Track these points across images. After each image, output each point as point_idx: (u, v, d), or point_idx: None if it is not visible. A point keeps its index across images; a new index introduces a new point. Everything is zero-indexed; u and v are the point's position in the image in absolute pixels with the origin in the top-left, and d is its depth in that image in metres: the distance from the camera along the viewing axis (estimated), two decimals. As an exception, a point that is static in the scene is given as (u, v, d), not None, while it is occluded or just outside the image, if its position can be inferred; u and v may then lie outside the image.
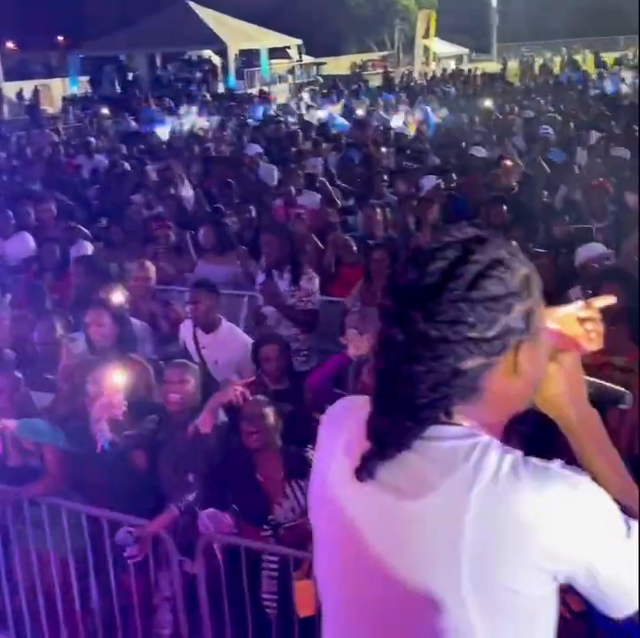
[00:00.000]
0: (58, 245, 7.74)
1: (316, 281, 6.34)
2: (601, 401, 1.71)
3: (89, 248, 8.21)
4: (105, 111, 21.56)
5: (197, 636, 4.31)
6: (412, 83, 28.42)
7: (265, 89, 28.78)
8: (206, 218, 8.58)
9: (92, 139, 14.56)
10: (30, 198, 9.38)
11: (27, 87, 31.32)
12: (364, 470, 1.56)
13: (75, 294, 6.90)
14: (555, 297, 5.74)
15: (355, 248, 7.19)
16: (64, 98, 29.15)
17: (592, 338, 1.66)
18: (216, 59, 33.47)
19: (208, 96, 26.56)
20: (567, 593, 1.59)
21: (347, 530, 1.62)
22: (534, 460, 1.49)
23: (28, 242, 8.58)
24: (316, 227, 7.81)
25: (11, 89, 31.14)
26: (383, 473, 1.55)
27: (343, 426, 1.67)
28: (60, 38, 44.75)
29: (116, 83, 32.43)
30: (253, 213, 8.66)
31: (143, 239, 8.00)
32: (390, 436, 1.53)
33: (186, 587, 4.25)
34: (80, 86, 31.84)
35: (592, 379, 1.71)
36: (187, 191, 10.70)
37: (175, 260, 7.83)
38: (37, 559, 4.62)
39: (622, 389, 1.75)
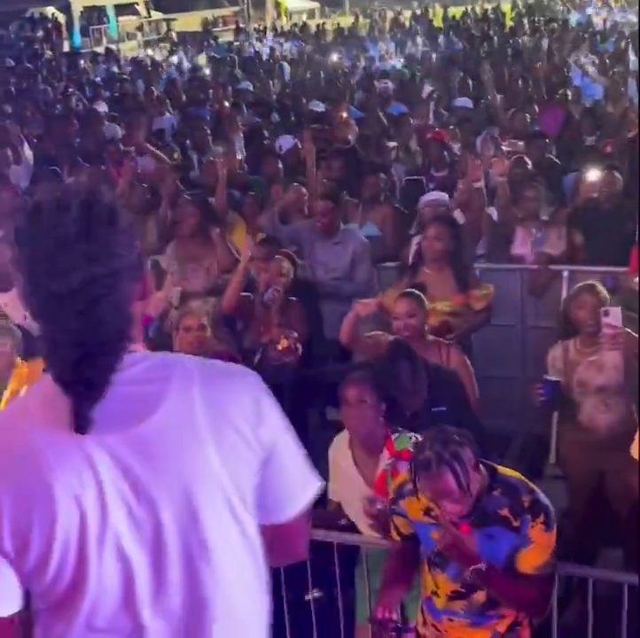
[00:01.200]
0: None
1: None
2: None
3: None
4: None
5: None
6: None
7: (112, 47, 27.96)
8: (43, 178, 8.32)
9: None
10: None
11: None
12: (82, 421, 1.57)
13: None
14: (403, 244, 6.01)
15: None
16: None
17: None
18: (60, 17, 32.30)
19: (52, 54, 25.69)
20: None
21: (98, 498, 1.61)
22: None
23: None
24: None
25: None
26: (101, 414, 1.58)
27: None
28: None
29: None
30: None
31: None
32: (97, 378, 1.58)
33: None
34: None
35: None
36: (27, 152, 10.36)
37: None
38: None
39: None
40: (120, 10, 33.96)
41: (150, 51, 24.11)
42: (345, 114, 9.23)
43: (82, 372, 1.57)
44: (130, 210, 7.12)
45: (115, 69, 20.17)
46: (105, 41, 31.97)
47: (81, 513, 1.60)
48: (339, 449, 3.92)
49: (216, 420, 1.69)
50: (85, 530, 1.60)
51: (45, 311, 1.60)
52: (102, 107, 12.22)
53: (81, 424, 1.57)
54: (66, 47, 29.73)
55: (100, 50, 28.34)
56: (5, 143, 9.93)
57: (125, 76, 17.63)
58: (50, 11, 32.82)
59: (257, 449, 1.73)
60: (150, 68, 19.02)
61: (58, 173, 8.69)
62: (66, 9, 31.09)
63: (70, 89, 16.07)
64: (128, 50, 29.38)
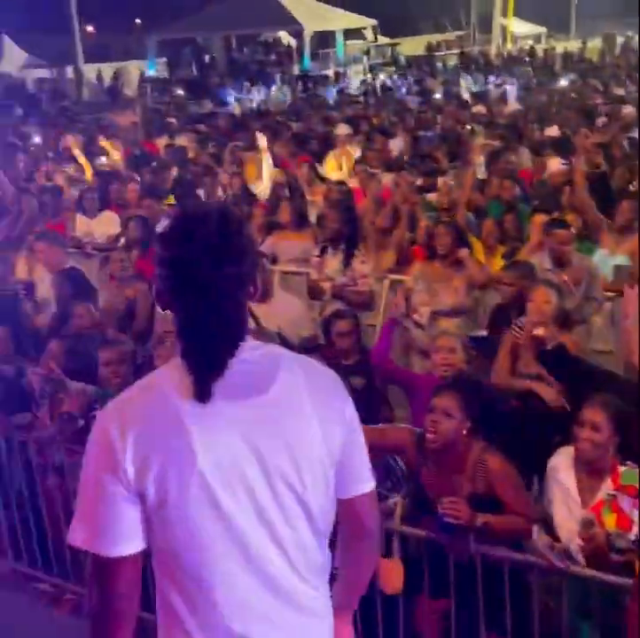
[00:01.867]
0: (143, 222, 7.88)
1: (368, 265, 6.40)
2: None
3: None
4: (181, 92, 21.77)
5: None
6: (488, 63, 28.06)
7: (339, 70, 28.66)
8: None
9: (173, 120, 14.70)
10: (116, 178, 9.55)
11: (106, 69, 31.86)
12: (203, 393, 1.95)
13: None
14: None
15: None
16: (142, 80, 29.49)
17: None
18: (290, 40, 33.47)
19: (283, 76, 26.70)
20: None
21: (222, 437, 1.97)
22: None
23: (114, 219, 8.76)
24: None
25: (90, 71, 31.69)
26: (221, 388, 1.97)
27: (140, 419, 1.98)
28: (138, 21, 45.30)
29: (193, 66, 32.74)
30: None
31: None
32: (220, 356, 1.97)
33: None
34: (157, 68, 32.20)
35: None
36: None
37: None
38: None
39: None
40: (349, 34, 34.76)
41: (382, 76, 24.48)
42: (592, 139, 8.99)
43: (207, 355, 1.97)
44: (374, 228, 7.47)
45: (350, 91, 20.61)
46: (332, 65, 32.83)
47: (213, 463, 1.94)
48: (562, 461, 3.83)
49: (318, 397, 2.07)
50: (215, 478, 1.95)
51: (190, 304, 1.97)
52: (341, 130, 12.50)
53: (202, 396, 1.95)
54: (295, 70, 30.82)
55: (327, 73, 29.18)
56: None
57: (358, 99, 17.99)
58: (282, 35, 34.07)
59: (345, 427, 2.11)
60: (379, 92, 19.39)
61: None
62: (298, 34, 32.12)
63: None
64: (354, 73, 30.03)
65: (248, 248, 2.01)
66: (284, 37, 34.06)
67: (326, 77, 25.85)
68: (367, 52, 34.98)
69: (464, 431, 3.72)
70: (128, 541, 1.97)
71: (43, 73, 32.26)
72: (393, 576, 3.77)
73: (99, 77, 31.95)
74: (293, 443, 2.02)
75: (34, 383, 5.18)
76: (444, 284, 5.84)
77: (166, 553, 2.00)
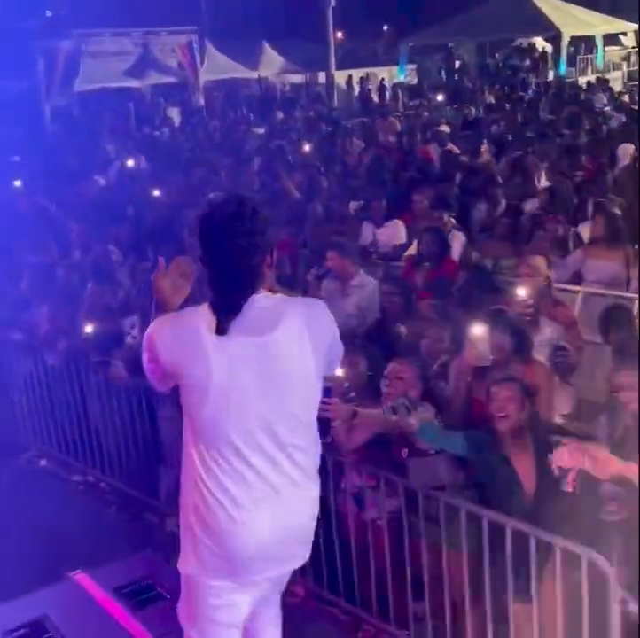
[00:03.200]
0: (436, 235, 7.45)
1: None
2: None
3: (461, 239, 7.89)
4: (440, 98, 21.34)
5: None
6: None
7: (599, 76, 27.25)
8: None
9: (445, 127, 14.26)
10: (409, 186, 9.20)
11: (356, 75, 32.06)
12: (222, 329, 2.85)
13: (459, 296, 6.44)
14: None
15: None
16: (393, 86, 29.40)
17: None
18: (544, 46, 32.30)
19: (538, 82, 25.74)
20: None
21: (234, 362, 2.88)
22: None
23: (401, 230, 8.43)
24: None
25: (340, 77, 32.00)
26: (237, 327, 2.86)
27: (193, 326, 2.93)
28: (385, 27, 45.51)
29: (442, 72, 32.32)
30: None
31: (527, 232, 7.55)
32: (233, 304, 2.88)
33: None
34: (407, 74, 32.03)
35: None
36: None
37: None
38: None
39: None
40: (608, 40, 33.09)
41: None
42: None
43: (226, 300, 2.88)
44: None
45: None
46: (590, 71, 31.39)
47: (226, 379, 2.87)
48: None
49: (315, 331, 2.96)
50: (222, 381, 2.87)
51: (215, 263, 2.91)
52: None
53: (221, 330, 2.85)
54: (550, 76, 29.67)
55: (583, 80, 27.84)
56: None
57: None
58: (538, 41, 32.94)
59: (331, 342, 3.08)
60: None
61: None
62: (554, 39, 30.90)
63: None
64: (613, 80, 28.48)
65: (256, 228, 2.90)
66: (539, 43, 32.91)
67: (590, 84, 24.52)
68: (626, 59, 33.21)
69: None
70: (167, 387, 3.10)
71: (296, 78, 32.94)
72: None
73: (349, 83, 32.23)
74: (286, 373, 2.94)
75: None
76: None
77: (197, 422, 2.95)
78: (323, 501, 3.40)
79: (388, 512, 4.65)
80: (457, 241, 7.65)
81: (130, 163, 12.40)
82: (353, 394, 4.58)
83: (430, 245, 7.34)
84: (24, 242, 8.62)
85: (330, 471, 4.79)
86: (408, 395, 4.46)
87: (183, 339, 2.89)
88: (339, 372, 4.55)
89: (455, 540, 4.30)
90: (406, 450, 4.51)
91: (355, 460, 4.74)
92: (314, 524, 3.16)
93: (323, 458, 3.26)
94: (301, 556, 3.16)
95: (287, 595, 4.95)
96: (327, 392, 4.21)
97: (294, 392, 2.96)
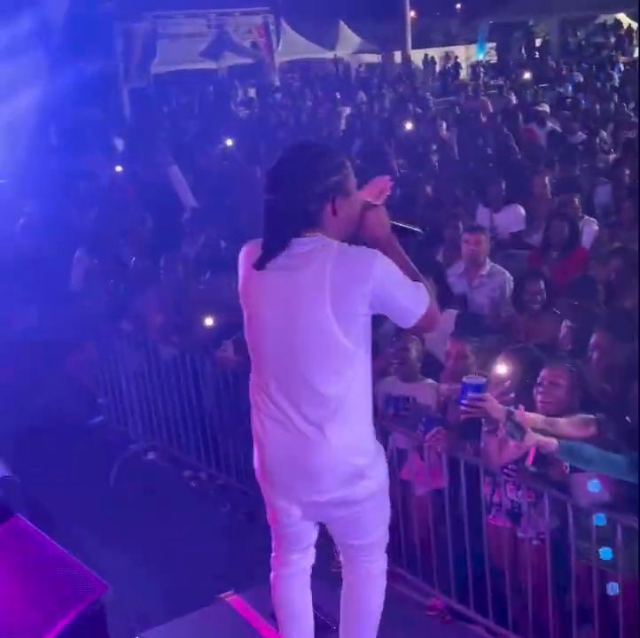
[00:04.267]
0: (568, 222, 6.96)
1: None
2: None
3: (593, 226, 7.38)
4: (528, 76, 20.59)
5: None
6: None
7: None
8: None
9: (545, 107, 13.64)
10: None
11: (434, 54, 31.42)
12: (260, 265, 3.07)
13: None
14: None
15: None
16: (473, 65, 28.67)
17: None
18: (630, 23, 31.18)
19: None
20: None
21: (265, 298, 3.10)
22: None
23: (519, 214, 7.95)
24: None
25: (416, 56, 31.40)
26: (273, 264, 3.04)
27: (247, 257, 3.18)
28: (458, 6, 44.62)
29: (522, 50, 31.44)
30: None
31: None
32: (273, 244, 3.04)
33: None
34: (486, 53, 31.27)
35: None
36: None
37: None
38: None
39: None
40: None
41: None
42: None
43: (266, 239, 3.07)
44: None
45: None
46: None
47: (255, 304, 3.15)
48: None
49: (338, 289, 2.94)
50: (254, 311, 3.16)
51: (266, 202, 3.06)
52: None
53: (259, 266, 3.08)
54: (636, 53, 28.63)
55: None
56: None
57: None
58: (622, 17, 31.83)
59: (364, 304, 2.98)
60: None
61: None
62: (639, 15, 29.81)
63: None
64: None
65: (309, 173, 2.96)
66: (624, 19, 31.78)
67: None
68: None
69: None
70: None
71: (371, 58, 32.38)
72: None
73: (426, 62, 31.58)
74: (302, 314, 2.99)
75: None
76: None
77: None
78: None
79: (550, 531, 4.23)
80: (589, 228, 7.16)
81: (229, 143, 12.00)
82: (513, 395, 4.11)
83: (560, 232, 6.87)
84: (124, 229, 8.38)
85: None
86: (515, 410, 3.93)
87: (240, 266, 3.20)
88: (502, 369, 4.18)
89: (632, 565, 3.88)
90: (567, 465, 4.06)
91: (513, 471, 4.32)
92: (333, 479, 3.15)
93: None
94: (319, 502, 3.20)
95: (427, 608, 4.79)
96: (479, 387, 3.84)
97: (309, 347, 3.01)
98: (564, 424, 4.06)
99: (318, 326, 2.97)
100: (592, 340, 4.75)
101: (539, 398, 4.28)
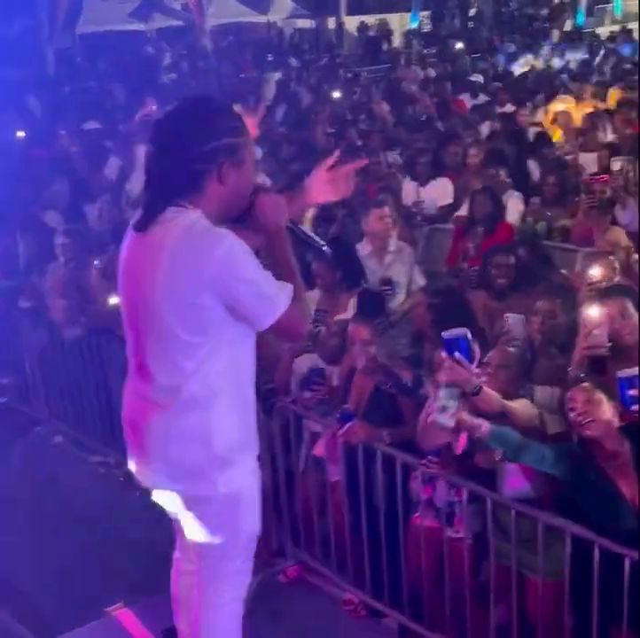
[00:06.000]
0: (491, 197, 6.74)
1: None
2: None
3: (518, 201, 7.19)
4: (460, 46, 20.35)
5: None
6: None
7: (626, 26, 26.24)
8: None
9: (478, 77, 13.40)
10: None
11: (368, 21, 30.91)
12: (139, 225, 2.67)
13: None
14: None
15: None
16: (406, 34, 28.33)
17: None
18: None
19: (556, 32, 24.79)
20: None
21: (122, 266, 2.78)
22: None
23: (448, 189, 7.72)
24: None
25: (351, 22, 30.87)
26: (149, 229, 2.64)
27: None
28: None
29: (456, 19, 31.17)
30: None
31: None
32: (149, 209, 2.65)
33: None
34: (420, 21, 30.90)
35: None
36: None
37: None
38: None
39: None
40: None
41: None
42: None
43: (143, 205, 2.70)
44: None
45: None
46: (607, 21, 30.32)
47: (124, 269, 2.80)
48: None
49: (170, 272, 2.57)
50: (120, 282, 2.82)
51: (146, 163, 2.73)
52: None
53: (136, 229, 2.69)
54: (568, 26, 28.65)
55: (601, 30, 26.85)
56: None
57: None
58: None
59: (204, 292, 2.55)
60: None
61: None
62: (573, -14, 29.83)
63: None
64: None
65: (187, 131, 2.61)
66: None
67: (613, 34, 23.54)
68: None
69: None
70: None
71: (304, 23, 31.75)
72: None
73: (360, 29, 31.08)
74: (138, 296, 2.68)
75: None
76: None
77: None
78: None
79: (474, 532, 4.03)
80: (514, 203, 6.95)
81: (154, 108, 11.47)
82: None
83: (484, 206, 6.65)
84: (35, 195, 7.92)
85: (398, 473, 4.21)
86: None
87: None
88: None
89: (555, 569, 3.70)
90: (499, 452, 3.82)
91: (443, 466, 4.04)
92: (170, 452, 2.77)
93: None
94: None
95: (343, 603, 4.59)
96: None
97: (145, 333, 2.70)
98: (516, 406, 3.87)
99: (151, 310, 2.62)
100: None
101: (573, 419, 3.80)
